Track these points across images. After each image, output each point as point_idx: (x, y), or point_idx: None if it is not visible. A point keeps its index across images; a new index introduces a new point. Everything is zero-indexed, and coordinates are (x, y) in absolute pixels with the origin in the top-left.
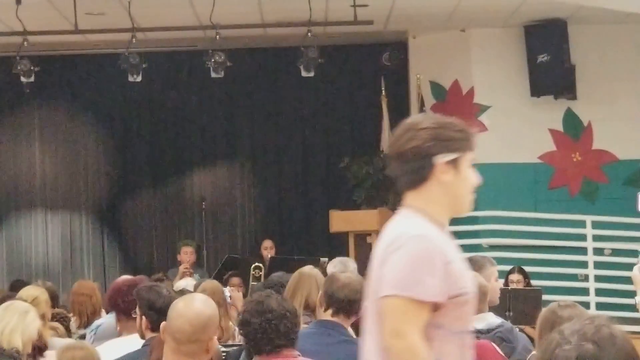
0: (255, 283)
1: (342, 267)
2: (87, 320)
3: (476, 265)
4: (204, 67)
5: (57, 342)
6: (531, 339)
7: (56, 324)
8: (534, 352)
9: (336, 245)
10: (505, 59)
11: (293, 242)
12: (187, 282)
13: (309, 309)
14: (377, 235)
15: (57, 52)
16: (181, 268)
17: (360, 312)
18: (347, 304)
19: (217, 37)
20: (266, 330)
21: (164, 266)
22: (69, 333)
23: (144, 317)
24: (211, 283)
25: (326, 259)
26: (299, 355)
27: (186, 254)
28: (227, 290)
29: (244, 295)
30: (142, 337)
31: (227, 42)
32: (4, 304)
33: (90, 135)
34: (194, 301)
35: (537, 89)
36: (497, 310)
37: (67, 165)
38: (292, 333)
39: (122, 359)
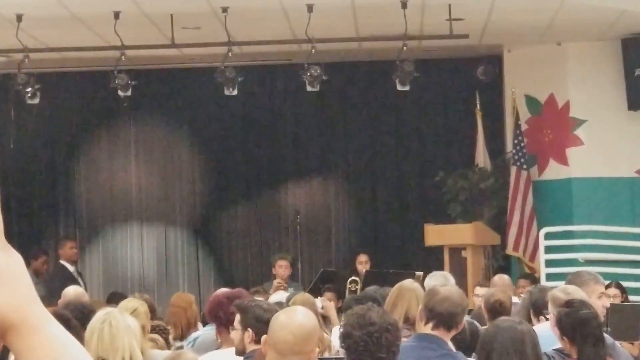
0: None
1: (442, 280)
2: (181, 333)
3: (579, 280)
4: (299, 81)
5: (158, 354)
6: (631, 355)
7: (156, 336)
8: None
9: (431, 259)
10: (602, 73)
11: (388, 256)
12: (281, 296)
13: (409, 322)
14: (472, 250)
15: (153, 66)
16: (275, 282)
17: (460, 325)
18: (448, 317)
19: (313, 50)
20: (368, 344)
21: (259, 279)
22: (168, 345)
23: (249, 329)
24: (302, 295)
25: (421, 273)
26: None
27: (281, 268)
28: (319, 301)
29: (339, 310)
30: (241, 351)
31: (323, 55)
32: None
33: (186, 149)
34: (296, 313)
35: (634, 102)
36: None
37: (163, 178)
38: (393, 346)
39: None
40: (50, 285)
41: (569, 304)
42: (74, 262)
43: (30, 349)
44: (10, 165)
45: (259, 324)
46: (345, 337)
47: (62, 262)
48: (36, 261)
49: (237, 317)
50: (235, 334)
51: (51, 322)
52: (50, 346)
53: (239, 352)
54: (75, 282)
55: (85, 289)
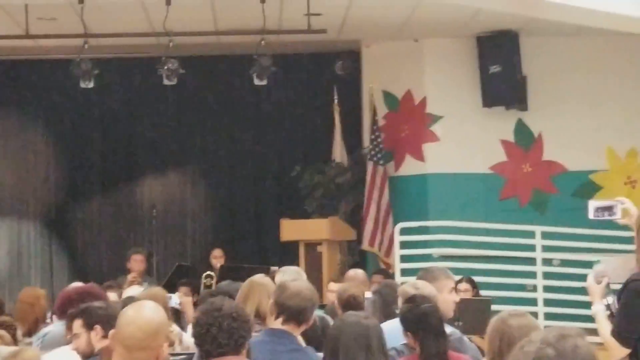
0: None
1: (294, 275)
2: (28, 329)
3: (430, 275)
4: (156, 74)
5: (3, 350)
6: (480, 349)
7: (2, 332)
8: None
9: (287, 254)
10: (458, 69)
11: (244, 251)
12: (135, 291)
13: (260, 317)
14: (327, 245)
15: (7, 57)
16: (129, 277)
17: (310, 320)
18: (297, 312)
19: (171, 44)
20: (210, 328)
21: (114, 274)
22: (15, 341)
23: (96, 326)
24: (154, 289)
25: (277, 268)
26: None
27: (136, 262)
28: (176, 297)
29: (195, 304)
30: (89, 354)
31: (181, 49)
32: None
33: (41, 142)
34: (144, 308)
35: (489, 99)
36: (446, 319)
37: (16, 171)
38: (237, 335)
39: None
40: None
41: (412, 299)
42: None
43: None
44: None
45: (104, 319)
46: (194, 325)
47: None
48: None
49: (76, 323)
50: (78, 341)
51: None
52: None
53: (86, 356)
54: None
55: None
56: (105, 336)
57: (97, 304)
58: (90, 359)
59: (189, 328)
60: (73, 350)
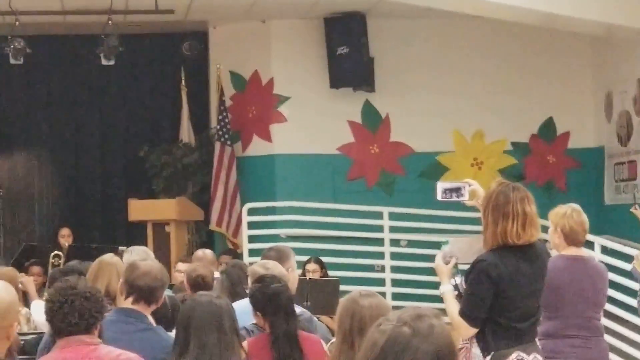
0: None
1: (143, 255)
2: None
3: (283, 254)
4: (2, 53)
5: None
6: (329, 329)
7: None
8: (333, 340)
9: (134, 234)
10: (305, 51)
11: (92, 230)
12: None
13: (110, 296)
14: (175, 225)
15: None
16: None
17: (160, 300)
18: (148, 292)
19: (17, 23)
20: (62, 306)
21: None
22: None
23: None
24: (4, 269)
25: (125, 248)
26: (100, 343)
27: None
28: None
29: (44, 284)
30: None
31: (27, 28)
32: None
33: None
34: None
35: (336, 80)
36: (295, 300)
37: None
38: (88, 314)
39: None
40: None
41: (261, 279)
42: None
43: None
44: None
45: None
46: (46, 301)
47: None
48: None
49: None
50: None
51: None
52: None
53: None
54: None
55: None
56: None
57: None
58: None
59: (34, 304)
60: None
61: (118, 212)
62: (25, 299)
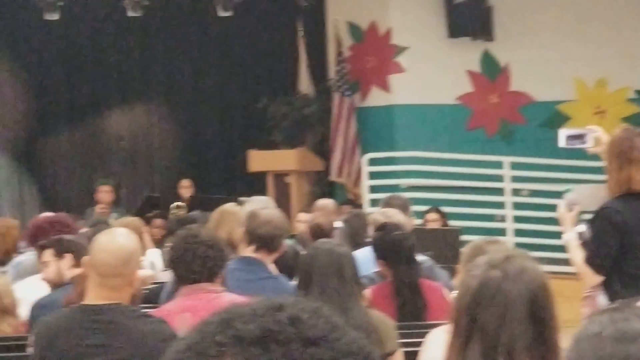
0: None
1: (263, 205)
2: (1, 259)
3: (405, 203)
4: (121, 6)
5: None
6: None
7: None
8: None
9: (255, 185)
10: (423, 0)
11: (212, 182)
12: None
13: (232, 245)
14: (296, 176)
15: None
16: (97, 208)
17: (281, 248)
18: (269, 240)
19: None
20: (185, 254)
21: (83, 205)
22: None
23: (66, 255)
24: (130, 219)
25: (245, 199)
26: (223, 291)
27: (103, 193)
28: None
29: (166, 234)
30: (58, 283)
31: None
32: None
33: (6, 74)
34: (116, 235)
35: (455, 30)
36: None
37: None
38: (210, 262)
39: (45, 298)
40: None
41: (383, 227)
42: None
43: None
44: None
45: (75, 248)
46: (170, 249)
47: None
48: None
49: (47, 252)
50: (48, 270)
51: None
52: None
53: (56, 285)
54: None
55: None
56: (75, 265)
57: (67, 236)
58: (63, 287)
59: (150, 254)
60: (42, 279)
61: (238, 163)
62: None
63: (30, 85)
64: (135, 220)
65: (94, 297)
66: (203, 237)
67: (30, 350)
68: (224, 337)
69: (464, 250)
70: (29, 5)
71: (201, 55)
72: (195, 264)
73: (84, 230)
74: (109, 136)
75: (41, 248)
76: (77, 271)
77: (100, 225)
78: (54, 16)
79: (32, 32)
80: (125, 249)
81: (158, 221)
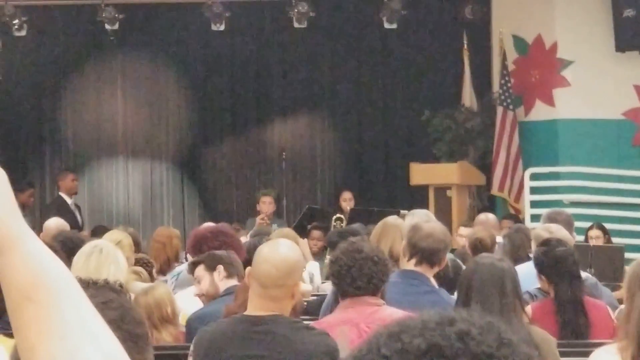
0: None
1: (424, 218)
2: (161, 268)
3: (570, 219)
4: (287, 17)
5: (139, 286)
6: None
7: (139, 269)
8: (621, 307)
9: (416, 198)
10: (590, 13)
11: (373, 194)
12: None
13: (393, 258)
14: (457, 189)
15: (141, 0)
16: (258, 219)
17: (443, 262)
18: (430, 253)
19: None
20: (350, 269)
21: (244, 215)
22: (152, 278)
23: (218, 267)
24: (284, 230)
25: (406, 212)
26: (384, 304)
27: (265, 204)
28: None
29: (324, 247)
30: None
31: None
32: (92, 245)
33: (172, 84)
34: (280, 246)
35: (622, 44)
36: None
37: (149, 113)
38: (376, 278)
39: (201, 311)
40: (46, 216)
41: (546, 242)
42: (72, 195)
43: (8, 266)
44: None
45: (226, 260)
46: (332, 262)
47: (62, 194)
48: (22, 194)
49: (199, 268)
50: (201, 284)
51: (30, 238)
52: (28, 263)
53: (211, 298)
54: (72, 214)
55: (82, 222)
56: (228, 276)
57: (217, 252)
58: (217, 299)
59: (308, 265)
60: (196, 295)
61: (400, 176)
62: None
63: (195, 96)
64: (290, 231)
65: (255, 307)
66: (368, 252)
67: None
68: (390, 350)
69: (629, 268)
70: (196, 16)
71: (365, 67)
72: (360, 280)
73: (245, 240)
74: (271, 147)
75: (193, 265)
76: (230, 282)
77: (262, 235)
78: (220, 27)
79: (198, 43)
80: (289, 260)
81: (316, 233)
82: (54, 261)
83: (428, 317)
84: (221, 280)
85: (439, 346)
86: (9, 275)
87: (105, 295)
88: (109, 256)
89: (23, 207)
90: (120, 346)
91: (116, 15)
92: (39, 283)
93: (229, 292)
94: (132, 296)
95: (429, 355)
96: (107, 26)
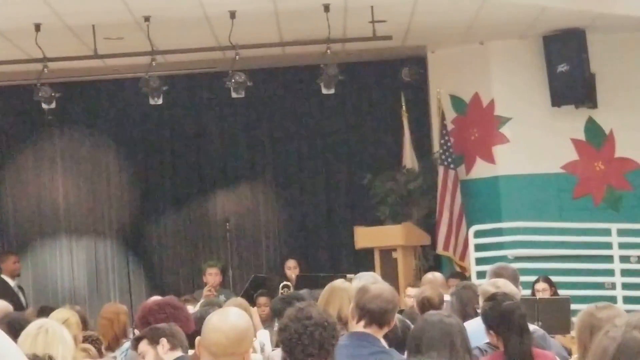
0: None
1: (371, 280)
2: (109, 344)
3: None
4: (224, 88)
5: None
6: (563, 347)
7: (88, 346)
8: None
9: (362, 262)
10: (525, 70)
11: (319, 260)
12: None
13: (342, 321)
14: (402, 251)
15: (77, 78)
16: (205, 290)
17: (392, 322)
18: (379, 314)
19: (237, 57)
20: (301, 337)
21: (191, 287)
22: (100, 354)
23: (162, 340)
24: (237, 300)
25: (352, 276)
26: None
27: (211, 275)
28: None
29: (271, 315)
30: None
31: (247, 62)
32: (37, 325)
33: (112, 160)
34: (229, 315)
35: (558, 98)
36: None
37: (90, 190)
38: (327, 344)
39: None
40: None
41: (493, 297)
42: (15, 277)
43: None
44: None
45: (168, 333)
46: (281, 330)
47: (3, 276)
48: None
49: (141, 344)
50: (146, 359)
51: None
52: None
53: None
54: (16, 296)
55: (26, 304)
56: (172, 348)
57: (158, 325)
58: None
59: (259, 334)
60: None
61: (345, 240)
62: None
63: (137, 170)
64: (243, 301)
65: None
66: (317, 318)
67: None
68: None
69: (577, 320)
70: (133, 92)
71: (305, 132)
72: (312, 347)
73: (193, 311)
74: (214, 218)
75: (136, 342)
76: (175, 354)
77: (213, 306)
78: (158, 101)
79: (137, 118)
80: (238, 328)
81: (263, 299)
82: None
83: None
84: (165, 353)
85: None
86: None
87: None
88: (55, 335)
89: None
90: None
91: (52, 94)
92: None
93: None
94: None
95: None
96: (44, 105)
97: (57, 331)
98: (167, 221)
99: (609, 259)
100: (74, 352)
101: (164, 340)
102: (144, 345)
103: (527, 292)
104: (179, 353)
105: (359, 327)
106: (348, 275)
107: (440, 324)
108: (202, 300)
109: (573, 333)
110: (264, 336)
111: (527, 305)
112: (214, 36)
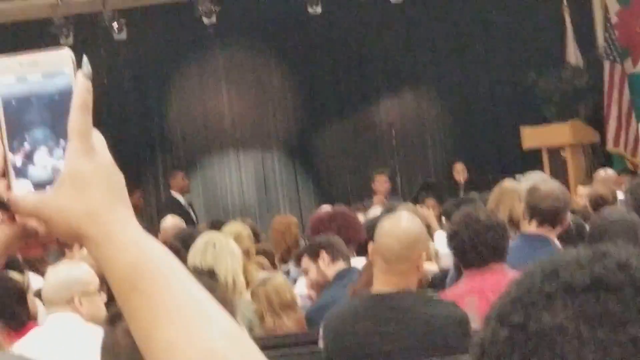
0: None
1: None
2: (281, 256)
3: None
4: None
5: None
6: None
7: (262, 259)
8: None
9: (529, 162)
10: None
11: (486, 161)
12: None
13: (513, 223)
14: (571, 149)
15: None
16: (375, 198)
17: (565, 222)
18: (551, 214)
19: None
20: (474, 243)
21: (359, 196)
22: (274, 267)
23: (322, 253)
24: (406, 205)
25: (521, 176)
26: (510, 270)
27: (380, 183)
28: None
29: (438, 216)
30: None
31: None
32: (204, 240)
33: (276, 71)
34: (401, 219)
35: None
36: None
37: (255, 103)
38: (500, 246)
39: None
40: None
41: None
42: (185, 193)
43: (105, 259)
44: (104, 103)
45: (327, 244)
46: (451, 237)
47: (174, 193)
48: (131, 197)
49: (303, 260)
50: (309, 274)
51: (129, 227)
52: (127, 252)
53: (322, 287)
54: (186, 213)
55: (196, 219)
56: (333, 260)
57: (317, 238)
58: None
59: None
60: (308, 287)
61: (511, 141)
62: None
63: (300, 81)
64: (410, 205)
65: (380, 284)
66: (486, 221)
67: (320, 344)
68: (553, 287)
69: None
70: (291, 1)
71: (465, 35)
72: (484, 249)
73: (363, 220)
74: (380, 125)
75: (297, 260)
76: (337, 266)
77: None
78: (317, 10)
79: (298, 28)
80: (411, 232)
81: (430, 201)
82: (156, 247)
83: (579, 253)
84: (327, 265)
85: (602, 278)
86: (109, 267)
87: None
88: (222, 248)
89: (134, 208)
90: (237, 324)
91: (213, 8)
92: (142, 271)
93: (340, 276)
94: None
95: (594, 288)
96: (205, 20)
97: (224, 244)
98: (332, 130)
99: None
100: (247, 264)
101: (323, 253)
102: (305, 262)
103: None
104: (341, 264)
105: (531, 227)
106: (516, 176)
107: (622, 220)
108: (372, 208)
109: None
110: (439, 238)
111: None
112: None
